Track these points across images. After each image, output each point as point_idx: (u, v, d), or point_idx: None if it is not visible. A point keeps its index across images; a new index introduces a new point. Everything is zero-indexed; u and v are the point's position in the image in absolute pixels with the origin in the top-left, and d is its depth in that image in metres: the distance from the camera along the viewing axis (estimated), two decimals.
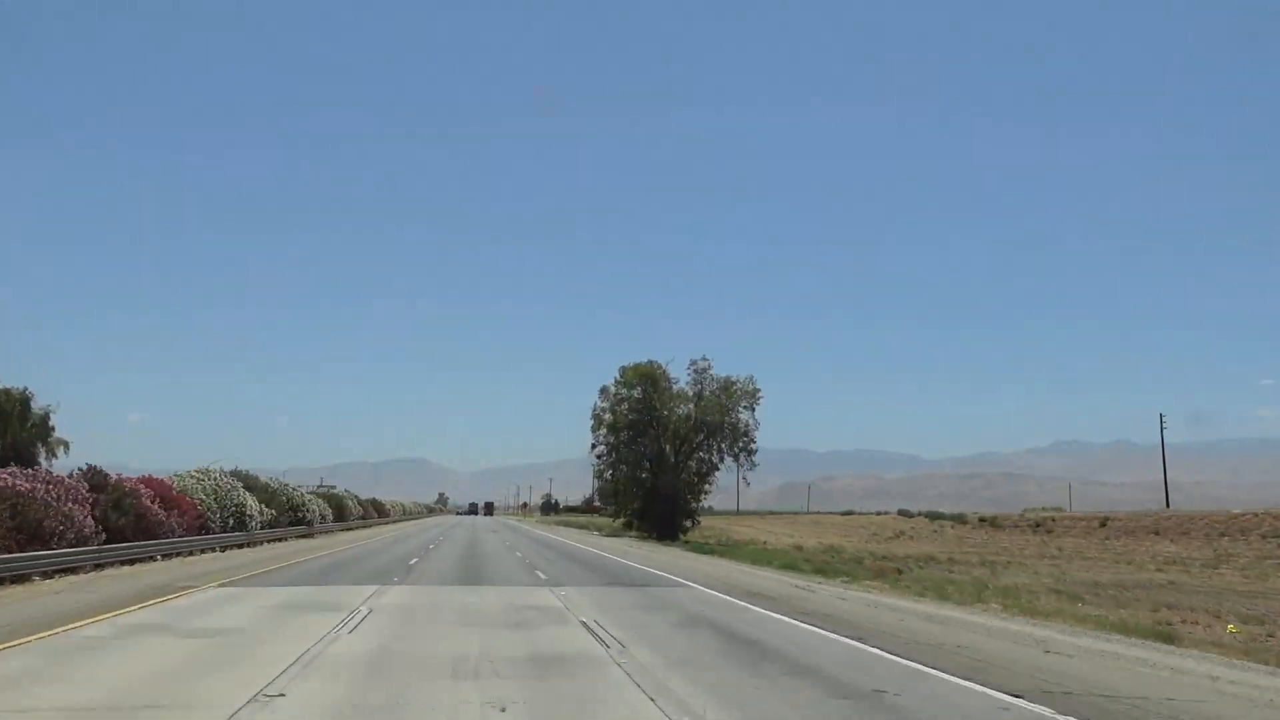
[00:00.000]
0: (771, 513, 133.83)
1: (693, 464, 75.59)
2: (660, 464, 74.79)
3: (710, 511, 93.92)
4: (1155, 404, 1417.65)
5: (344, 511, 74.12)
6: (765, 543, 75.62)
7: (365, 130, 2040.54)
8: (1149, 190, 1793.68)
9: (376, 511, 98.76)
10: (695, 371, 74.98)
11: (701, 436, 74.28)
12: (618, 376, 76.61)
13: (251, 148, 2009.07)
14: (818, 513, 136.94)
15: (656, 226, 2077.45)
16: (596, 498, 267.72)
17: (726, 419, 72.79)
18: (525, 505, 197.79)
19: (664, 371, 75.39)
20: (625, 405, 75.07)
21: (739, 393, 73.76)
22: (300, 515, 56.31)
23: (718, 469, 75.07)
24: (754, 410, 73.85)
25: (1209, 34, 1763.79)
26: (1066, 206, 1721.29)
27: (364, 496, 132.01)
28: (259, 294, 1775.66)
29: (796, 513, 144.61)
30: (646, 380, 74.73)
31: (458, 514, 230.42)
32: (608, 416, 76.30)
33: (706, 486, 76.08)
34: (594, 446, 77.27)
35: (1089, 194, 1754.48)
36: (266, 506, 48.58)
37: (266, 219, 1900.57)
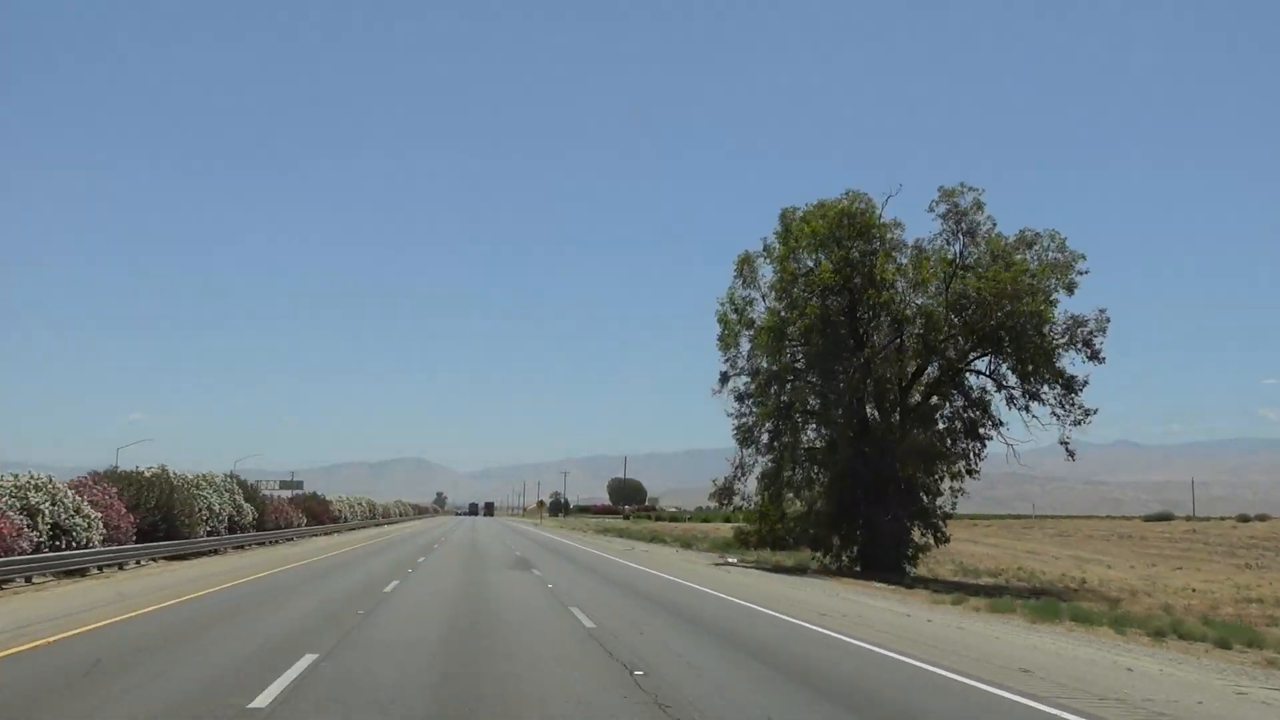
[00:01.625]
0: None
1: (942, 415, 33.09)
2: (877, 412, 32.43)
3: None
4: (1156, 404, 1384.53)
5: (176, 520, 30.83)
6: (1084, 580, 33.10)
7: (365, 129, 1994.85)
8: (1149, 188, 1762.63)
9: (310, 516, 55.62)
10: (951, 214, 32.26)
11: (966, 346, 31.65)
12: (777, 230, 33.85)
13: (253, 147, 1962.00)
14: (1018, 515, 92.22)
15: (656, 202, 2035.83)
16: (606, 495, 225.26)
17: (1026, 312, 29.87)
18: (541, 504, 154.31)
19: (879, 217, 32.59)
20: (799, 287, 32.29)
21: (1043, 263, 31.04)
22: None
23: (1000, 424, 32.30)
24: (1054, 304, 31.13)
25: (1212, 34, 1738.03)
26: (1062, 201, 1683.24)
27: (363, 496, 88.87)
28: (260, 294, 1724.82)
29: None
30: (845, 230, 32.03)
31: (457, 514, 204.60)
32: (758, 312, 33.87)
33: (971, 464, 32.99)
34: (724, 379, 34.62)
35: (1087, 190, 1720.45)
36: None
37: (268, 218, 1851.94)
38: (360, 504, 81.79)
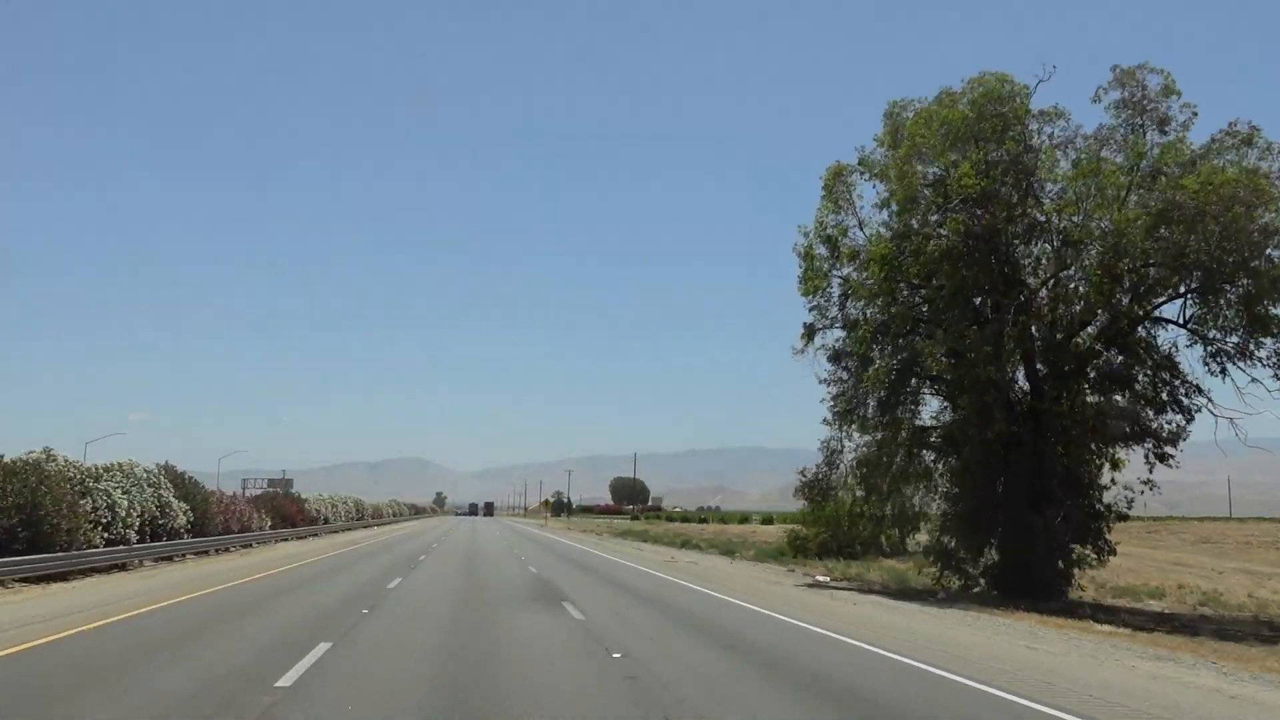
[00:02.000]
0: None
1: (1137, 378, 23.78)
2: (1025, 375, 23.31)
3: None
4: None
5: (45, 523, 21.32)
6: None
7: (363, 129, 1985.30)
8: None
9: (280, 517, 46.32)
10: (1129, 102, 22.89)
11: (1174, 277, 22.16)
12: (878, 135, 24.66)
13: (252, 145, 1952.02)
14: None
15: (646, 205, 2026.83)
16: (607, 494, 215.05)
17: (1255, 229, 20.46)
18: (546, 503, 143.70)
19: (1026, 104, 23.15)
20: (924, 201, 23.01)
21: (1255, 165, 21.60)
22: None
23: (1200, 391, 22.92)
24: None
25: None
26: None
27: (364, 498, 78.63)
28: (260, 293, 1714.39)
29: None
30: (988, 124, 22.58)
31: (456, 515, 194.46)
32: (857, 242, 24.58)
33: (1165, 448, 23.37)
34: (809, 333, 25.31)
35: None
36: None
37: (268, 218, 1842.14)
38: (345, 503, 72.15)
